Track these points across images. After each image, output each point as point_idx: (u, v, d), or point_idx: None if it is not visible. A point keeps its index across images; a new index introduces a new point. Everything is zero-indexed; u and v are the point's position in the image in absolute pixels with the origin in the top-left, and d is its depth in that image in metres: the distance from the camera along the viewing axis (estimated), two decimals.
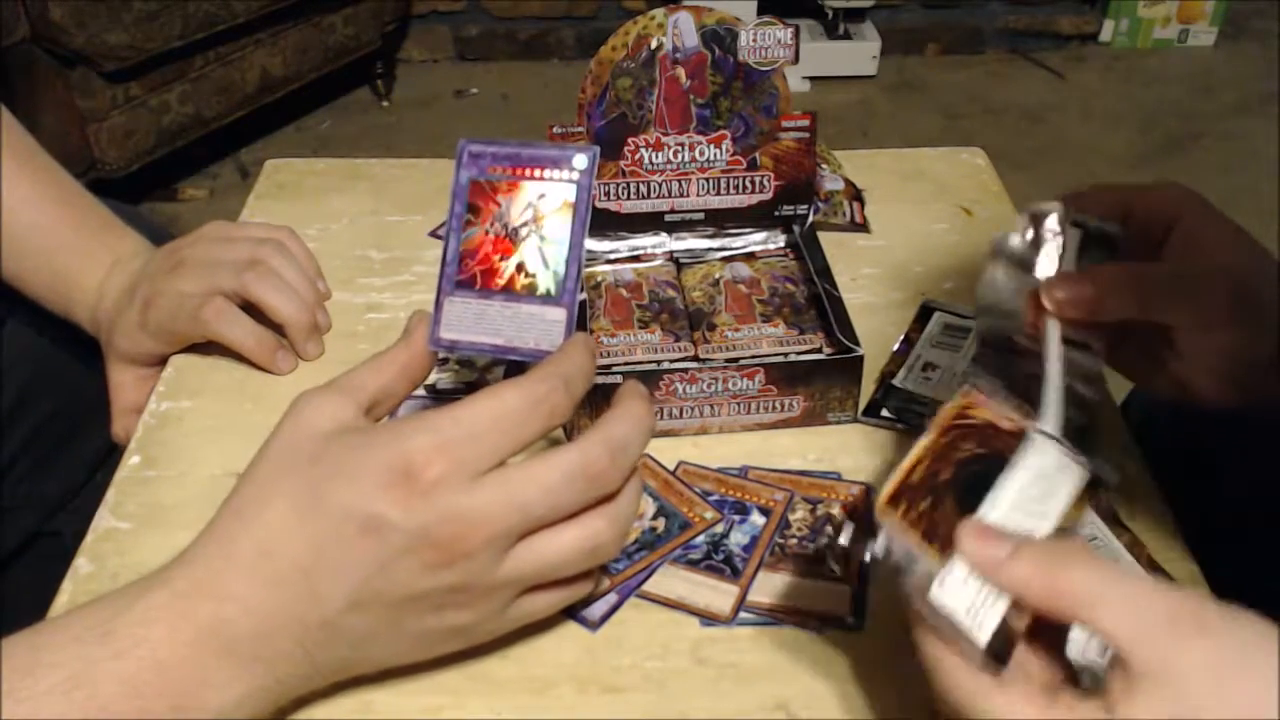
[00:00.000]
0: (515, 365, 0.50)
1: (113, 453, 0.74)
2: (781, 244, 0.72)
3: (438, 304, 0.50)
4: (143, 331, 0.67)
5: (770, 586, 0.55)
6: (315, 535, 0.43)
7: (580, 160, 0.49)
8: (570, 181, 0.49)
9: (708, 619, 0.53)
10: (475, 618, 0.46)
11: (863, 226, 0.79)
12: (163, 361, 0.69)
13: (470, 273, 0.50)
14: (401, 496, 0.43)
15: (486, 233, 0.50)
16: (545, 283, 0.49)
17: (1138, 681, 0.38)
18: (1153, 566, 0.55)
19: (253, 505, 0.45)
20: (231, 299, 0.66)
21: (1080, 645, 0.41)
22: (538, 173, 0.49)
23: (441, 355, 0.65)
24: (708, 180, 0.69)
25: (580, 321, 0.63)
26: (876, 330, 0.69)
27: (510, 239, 0.49)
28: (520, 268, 0.49)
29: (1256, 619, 0.39)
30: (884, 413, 0.64)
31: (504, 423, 0.44)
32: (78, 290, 0.72)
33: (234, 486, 0.46)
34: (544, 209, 0.49)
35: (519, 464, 0.44)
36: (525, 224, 0.49)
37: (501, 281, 0.49)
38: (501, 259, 0.50)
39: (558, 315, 0.49)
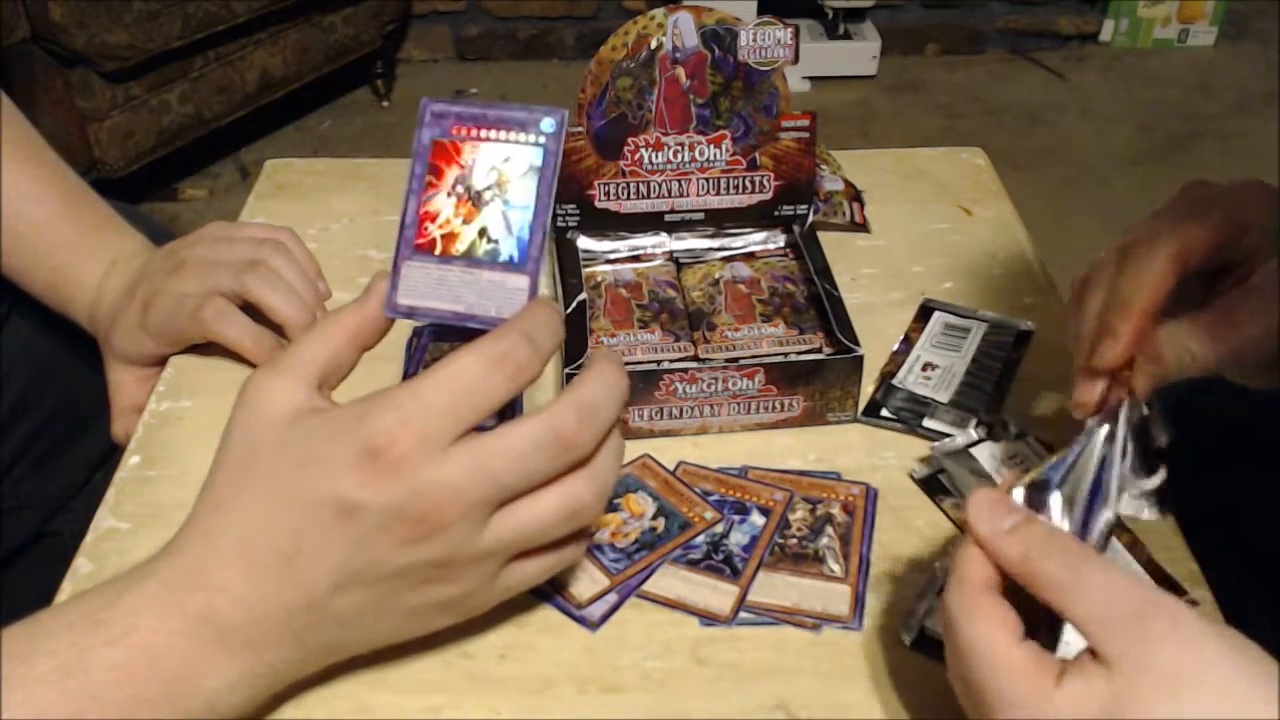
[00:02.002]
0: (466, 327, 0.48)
1: (113, 453, 0.74)
2: (781, 244, 0.72)
3: (395, 268, 0.48)
4: (142, 331, 0.67)
5: (770, 586, 0.55)
6: (292, 523, 0.43)
7: (547, 123, 0.47)
8: (537, 145, 0.47)
9: (707, 619, 0.53)
10: (463, 590, 0.46)
11: (863, 226, 0.79)
12: (162, 362, 0.69)
13: (430, 237, 0.48)
14: (370, 477, 0.42)
15: (448, 195, 0.48)
16: (508, 249, 0.47)
17: (1100, 668, 0.39)
18: (1152, 566, 0.55)
19: (228, 497, 0.45)
20: (231, 299, 0.66)
21: (1074, 648, 0.41)
22: (503, 134, 0.47)
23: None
24: (708, 180, 0.69)
25: (580, 320, 0.63)
26: (876, 330, 0.69)
27: (473, 202, 0.48)
28: (483, 233, 0.47)
29: (1238, 636, 0.39)
30: (884, 413, 0.64)
31: (465, 388, 0.43)
32: (77, 288, 0.72)
33: (206, 480, 0.46)
34: (509, 173, 0.47)
35: (489, 432, 0.44)
36: (489, 188, 0.47)
37: (463, 247, 0.48)
38: (464, 223, 0.48)
39: (520, 283, 0.47)
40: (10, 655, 0.41)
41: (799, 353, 0.63)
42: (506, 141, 0.47)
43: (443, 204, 0.48)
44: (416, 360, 0.66)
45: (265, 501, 0.44)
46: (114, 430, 0.72)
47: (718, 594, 0.54)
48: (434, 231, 0.48)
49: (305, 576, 0.44)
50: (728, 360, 0.62)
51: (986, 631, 0.41)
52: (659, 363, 0.62)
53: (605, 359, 0.46)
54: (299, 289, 0.67)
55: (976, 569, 0.43)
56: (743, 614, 0.53)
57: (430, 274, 0.48)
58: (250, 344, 0.66)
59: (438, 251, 0.48)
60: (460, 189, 0.48)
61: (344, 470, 0.43)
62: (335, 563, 0.43)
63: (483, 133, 0.48)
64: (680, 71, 0.66)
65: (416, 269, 0.48)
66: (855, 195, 0.80)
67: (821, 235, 0.72)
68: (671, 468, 0.61)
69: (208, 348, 0.67)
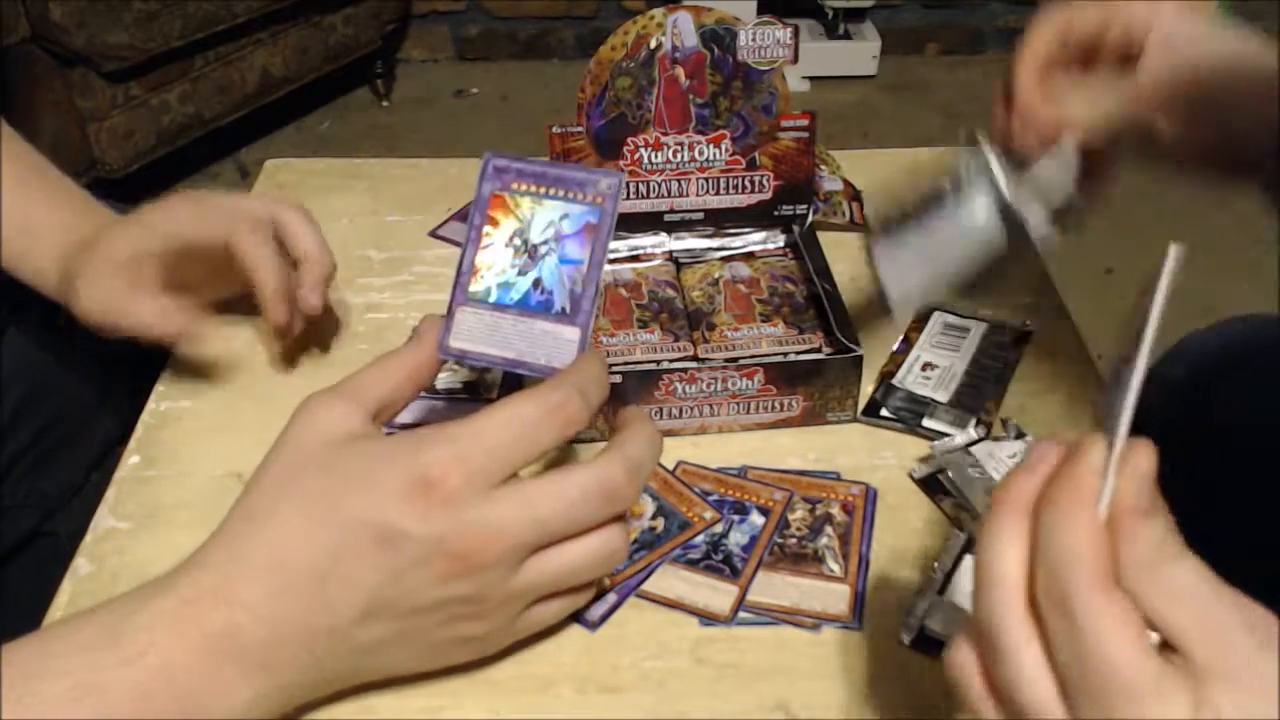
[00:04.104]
0: (514, 373, 0.50)
1: (111, 454, 0.74)
2: (781, 244, 0.72)
3: (450, 313, 0.50)
4: (144, 234, 0.62)
5: (769, 586, 0.55)
6: (329, 544, 0.43)
7: (607, 186, 0.49)
8: (595, 205, 0.49)
9: (707, 619, 0.53)
10: (486, 629, 0.47)
11: (862, 226, 0.79)
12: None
13: (485, 285, 0.50)
14: (420, 508, 0.43)
15: (505, 246, 0.50)
16: (561, 301, 0.49)
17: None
18: None
19: (264, 512, 0.44)
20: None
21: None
22: (562, 193, 0.50)
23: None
24: (707, 180, 0.69)
25: None
26: (875, 330, 0.68)
27: (530, 255, 0.50)
28: (537, 284, 0.50)
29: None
30: (883, 412, 0.64)
31: (521, 432, 0.44)
32: (42, 236, 0.67)
33: (243, 490, 0.46)
34: (566, 229, 0.49)
35: (538, 477, 0.45)
36: (545, 242, 0.50)
37: (517, 296, 0.50)
38: (519, 274, 0.50)
39: (572, 335, 0.49)
40: (24, 673, 0.41)
41: (798, 352, 0.63)
42: (565, 199, 0.50)
43: (499, 254, 0.50)
44: None
45: (303, 520, 0.44)
46: (153, 332, 0.65)
47: (717, 594, 0.54)
48: (489, 280, 0.50)
49: (334, 600, 0.43)
50: (727, 360, 0.62)
51: (1122, 635, 0.35)
52: (658, 363, 0.62)
53: (642, 418, 0.49)
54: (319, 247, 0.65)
55: (1021, 591, 0.37)
56: (742, 614, 0.53)
57: (484, 320, 0.50)
58: (269, 271, 0.62)
59: (492, 300, 0.50)
60: (518, 241, 0.50)
61: (393, 496, 0.43)
62: (367, 590, 0.43)
63: (542, 190, 0.50)
64: (680, 71, 0.66)
65: (470, 315, 0.50)
66: (855, 195, 0.80)
67: (821, 235, 0.72)
68: (671, 467, 0.61)
69: (208, 347, 0.67)
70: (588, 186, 0.49)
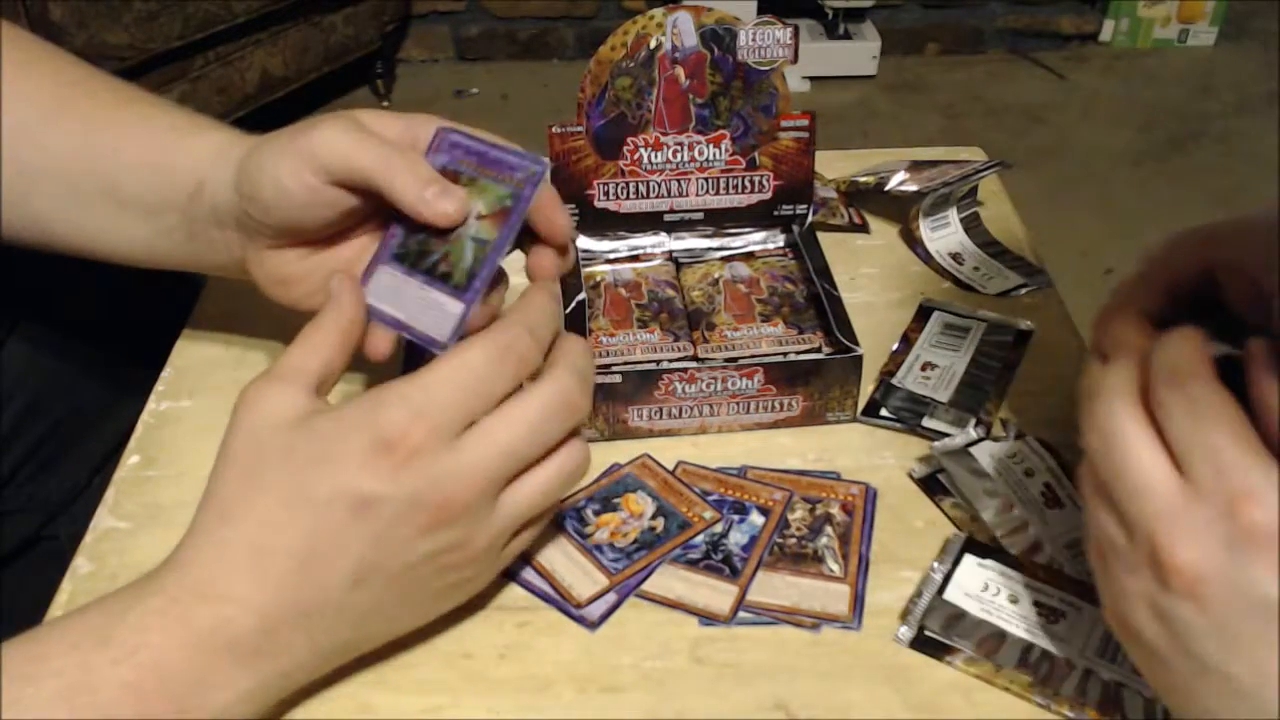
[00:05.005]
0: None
1: (113, 457, 0.74)
2: (781, 243, 0.72)
3: (370, 269, 0.52)
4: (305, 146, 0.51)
5: (769, 586, 0.55)
6: (307, 525, 0.43)
7: (529, 171, 0.50)
8: (515, 189, 0.50)
9: (706, 619, 0.53)
10: (474, 569, 0.48)
11: (862, 227, 0.79)
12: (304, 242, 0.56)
13: (408, 249, 0.52)
14: (386, 470, 0.43)
15: None
16: (460, 276, 0.50)
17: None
18: None
19: (236, 505, 0.45)
20: None
21: None
22: (493, 174, 0.51)
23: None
24: (707, 180, 0.69)
25: (579, 319, 0.63)
26: (876, 330, 0.69)
27: (450, 228, 0.51)
28: (446, 256, 0.51)
29: None
30: (883, 412, 0.64)
31: (473, 381, 0.45)
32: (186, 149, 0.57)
33: (207, 490, 0.46)
34: (485, 208, 0.50)
35: (494, 411, 0.45)
36: (466, 218, 0.51)
37: (427, 265, 0.51)
38: (438, 244, 0.51)
39: (455, 309, 0.49)
40: (16, 675, 0.41)
41: (798, 352, 0.63)
42: (493, 180, 0.51)
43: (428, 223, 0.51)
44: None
45: (277, 506, 0.44)
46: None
47: (717, 594, 0.54)
48: (412, 245, 0.52)
49: (322, 577, 0.44)
50: (727, 360, 0.62)
51: (1149, 444, 0.41)
52: (658, 362, 0.62)
53: (570, 334, 0.49)
54: None
55: (1135, 390, 0.42)
56: (742, 614, 0.53)
57: (396, 281, 0.52)
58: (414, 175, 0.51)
59: (408, 264, 0.51)
60: None
61: (358, 464, 0.43)
62: (352, 559, 0.44)
63: (478, 168, 0.51)
64: (679, 71, 0.66)
65: (386, 274, 0.52)
66: (849, 202, 0.80)
67: (821, 235, 0.72)
68: (671, 467, 0.61)
69: (207, 347, 0.67)
70: (515, 171, 0.50)
